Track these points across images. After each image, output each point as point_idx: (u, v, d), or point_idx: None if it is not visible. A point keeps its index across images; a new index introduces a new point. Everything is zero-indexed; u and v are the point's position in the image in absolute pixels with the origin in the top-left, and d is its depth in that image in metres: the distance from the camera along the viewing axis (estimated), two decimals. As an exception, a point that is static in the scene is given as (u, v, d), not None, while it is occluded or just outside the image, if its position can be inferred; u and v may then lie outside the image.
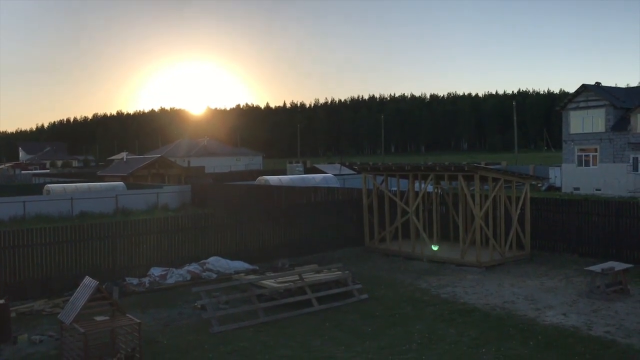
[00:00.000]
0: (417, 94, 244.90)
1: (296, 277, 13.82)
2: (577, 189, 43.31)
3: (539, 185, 45.80)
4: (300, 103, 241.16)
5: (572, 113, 44.06)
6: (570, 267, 17.10)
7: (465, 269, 17.27)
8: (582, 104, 43.36)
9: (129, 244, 16.21)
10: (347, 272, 14.66)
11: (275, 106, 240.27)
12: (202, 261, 17.03)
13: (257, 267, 17.54)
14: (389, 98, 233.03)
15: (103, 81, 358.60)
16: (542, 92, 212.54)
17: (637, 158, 40.18)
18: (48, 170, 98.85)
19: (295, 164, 72.88)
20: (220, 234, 18.09)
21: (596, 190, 41.78)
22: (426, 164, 19.50)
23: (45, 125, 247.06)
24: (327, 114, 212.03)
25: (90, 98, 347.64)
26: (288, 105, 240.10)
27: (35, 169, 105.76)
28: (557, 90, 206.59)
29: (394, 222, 20.98)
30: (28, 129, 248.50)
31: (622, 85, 56.80)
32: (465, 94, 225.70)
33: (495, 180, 18.52)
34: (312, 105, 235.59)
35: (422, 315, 12.54)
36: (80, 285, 10.08)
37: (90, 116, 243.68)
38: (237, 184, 38.62)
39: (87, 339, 9.15)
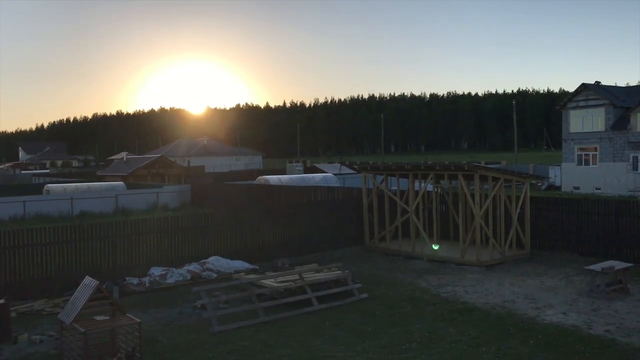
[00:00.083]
0: (416, 93, 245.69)
1: (296, 277, 13.82)
2: (577, 188, 43.32)
3: (538, 184, 45.75)
4: (300, 102, 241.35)
5: (572, 112, 44.07)
6: (570, 266, 17.11)
7: (465, 268, 17.28)
8: (582, 103, 43.37)
9: (129, 244, 16.21)
10: (347, 271, 14.67)
11: (275, 106, 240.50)
12: (202, 261, 17.04)
13: (257, 267, 17.55)
14: (388, 97, 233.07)
15: (103, 81, 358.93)
16: (541, 92, 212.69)
17: (636, 157, 40.19)
18: (48, 170, 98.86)
19: (295, 164, 72.84)
20: (220, 233, 18.10)
21: (596, 189, 41.80)
22: (426, 163, 19.51)
23: (45, 125, 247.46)
24: (327, 113, 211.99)
25: (90, 98, 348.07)
26: (288, 104, 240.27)
27: (35, 169, 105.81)
28: (557, 90, 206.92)
29: (393, 221, 20.99)
30: (28, 129, 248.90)
31: (622, 84, 56.85)
32: (465, 93, 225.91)
33: (495, 179, 18.52)
34: (312, 104, 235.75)
35: (422, 315, 12.54)
36: (81, 285, 10.09)
37: (90, 116, 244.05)
38: (237, 184, 38.61)
39: (87, 339, 9.16)
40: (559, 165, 47.57)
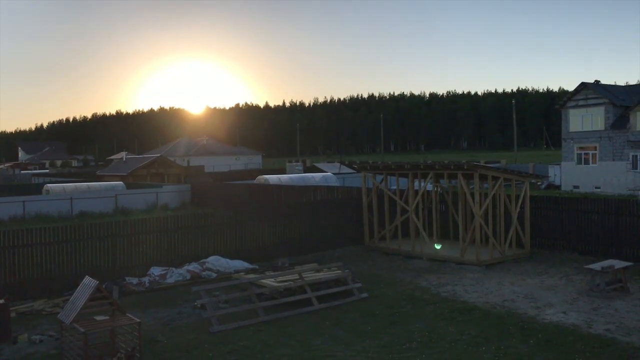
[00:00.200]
0: (416, 92, 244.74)
1: (296, 276, 13.82)
2: (576, 187, 43.33)
3: (538, 183, 45.80)
4: (300, 102, 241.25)
5: (571, 111, 44.07)
6: (570, 266, 17.11)
7: (465, 267, 17.28)
8: (581, 102, 43.37)
9: (129, 244, 16.20)
10: (347, 271, 14.66)
11: (275, 105, 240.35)
12: (201, 260, 17.03)
13: (257, 266, 17.54)
14: (388, 97, 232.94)
15: (102, 81, 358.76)
16: (541, 91, 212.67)
17: (636, 156, 40.19)
18: (47, 170, 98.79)
19: (294, 163, 72.86)
20: (219, 233, 18.09)
21: (596, 188, 41.80)
22: (426, 163, 19.50)
23: (45, 125, 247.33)
24: (327, 113, 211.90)
25: (89, 98, 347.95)
26: (287, 104, 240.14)
27: (35, 169, 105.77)
28: (556, 89, 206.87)
29: (393, 220, 20.99)
30: (27, 129, 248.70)
31: (622, 83, 56.84)
32: (465, 92, 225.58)
33: (494, 178, 18.52)
34: (312, 104, 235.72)
35: (422, 314, 12.54)
36: (80, 284, 10.08)
37: (89, 116, 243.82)
38: (236, 183, 38.61)
39: (87, 339, 9.15)
40: (559, 164, 47.58)
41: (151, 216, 21.98)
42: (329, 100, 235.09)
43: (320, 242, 20.31)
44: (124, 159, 64.63)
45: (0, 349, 10.86)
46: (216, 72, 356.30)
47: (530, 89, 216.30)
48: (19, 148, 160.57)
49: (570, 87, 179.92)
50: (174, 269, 16.26)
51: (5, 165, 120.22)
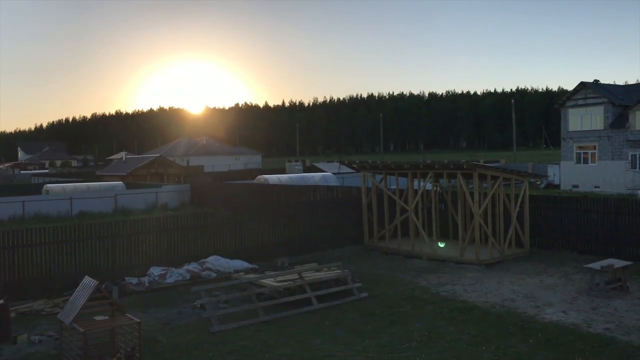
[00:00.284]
0: (415, 92, 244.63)
1: (296, 276, 13.82)
2: (576, 186, 43.34)
3: (537, 183, 45.83)
4: (299, 102, 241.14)
5: (570, 111, 44.07)
6: (570, 265, 17.12)
7: (464, 266, 17.28)
8: (580, 102, 43.38)
9: (128, 244, 16.20)
10: (346, 270, 14.67)
11: (274, 105, 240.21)
12: (201, 260, 17.03)
13: (257, 266, 17.54)
14: (387, 97, 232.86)
15: (102, 81, 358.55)
16: (540, 90, 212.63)
17: (635, 155, 40.21)
18: (47, 170, 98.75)
19: (294, 163, 72.83)
20: (219, 233, 18.09)
21: (595, 187, 41.81)
22: (425, 162, 19.51)
23: (44, 125, 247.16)
24: (326, 112, 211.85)
25: (89, 98, 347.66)
26: (287, 104, 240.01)
27: (34, 169, 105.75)
28: (555, 88, 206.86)
29: (393, 220, 20.99)
30: (27, 129, 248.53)
31: (621, 82, 56.86)
32: (464, 92, 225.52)
33: (494, 178, 18.53)
34: (311, 104, 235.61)
35: (421, 314, 12.55)
36: (80, 285, 10.08)
37: (89, 116, 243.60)
38: (236, 183, 38.61)
39: (86, 339, 9.15)
40: (558, 164, 47.58)
41: (151, 216, 21.98)
42: (328, 100, 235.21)
43: (319, 242, 20.31)
44: (124, 159, 64.61)
45: (0, 349, 10.86)
46: (216, 72, 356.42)
47: (530, 89, 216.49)
48: (19, 148, 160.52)
49: (570, 86, 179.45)
50: (173, 268, 16.26)
51: (5, 165, 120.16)
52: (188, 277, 16.00)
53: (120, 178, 50.05)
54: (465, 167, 18.03)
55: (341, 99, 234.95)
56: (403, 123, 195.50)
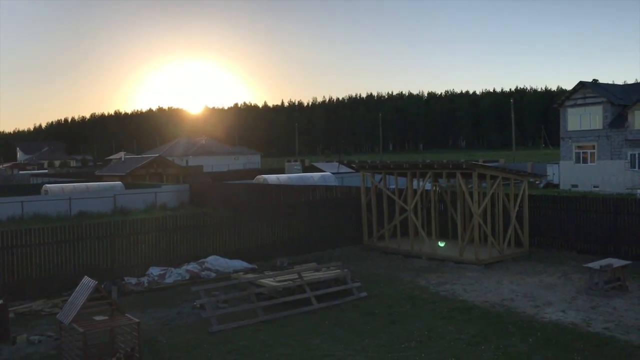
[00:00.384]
0: (414, 92, 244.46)
1: (295, 276, 13.81)
2: (575, 186, 43.36)
3: (537, 182, 45.84)
4: (299, 102, 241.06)
5: (569, 110, 44.09)
6: (569, 264, 17.13)
7: (464, 266, 17.29)
8: (579, 101, 43.40)
9: (128, 244, 16.19)
10: (346, 270, 14.66)
11: (274, 105, 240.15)
12: (200, 260, 17.03)
13: (256, 266, 17.54)
14: (386, 96, 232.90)
15: (101, 81, 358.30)
16: (539, 90, 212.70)
17: (634, 155, 40.23)
18: (46, 170, 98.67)
19: (293, 163, 72.77)
20: (218, 233, 18.09)
21: (594, 187, 41.83)
22: (424, 162, 19.51)
23: (43, 125, 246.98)
24: (325, 112, 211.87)
25: (88, 98, 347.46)
26: (286, 104, 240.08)
27: (33, 169, 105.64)
28: (554, 88, 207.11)
29: (392, 220, 20.99)
30: (26, 129, 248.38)
31: (619, 82, 56.84)
32: (463, 91, 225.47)
33: (493, 177, 18.53)
34: (310, 103, 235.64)
35: (421, 313, 12.55)
36: (79, 285, 10.07)
37: (88, 116, 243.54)
38: (235, 183, 38.60)
39: (86, 339, 9.14)
40: (557, 163, 47.59)
41: (150, 216, 21.96)
42: (327, 100, 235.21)
43: (319, 242, 20.31)
44: (123, 159, 64.58)
45: (-1, 349, 10.86)
46: (215, 72, 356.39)
47: (529, 88, 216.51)
48: (18, 148, 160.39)
49: (569, 86, 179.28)
50: (172, 268, 16.25)
51: (4, 165, 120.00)
52: (187, 277, 15.99)
53: (119, 178, 50.04)
54: (464, 166, 18.03)
55: (340, 98, 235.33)
56: (402, 123, 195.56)
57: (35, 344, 11.06)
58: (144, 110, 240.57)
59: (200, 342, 10.94)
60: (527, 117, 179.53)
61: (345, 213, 21.52)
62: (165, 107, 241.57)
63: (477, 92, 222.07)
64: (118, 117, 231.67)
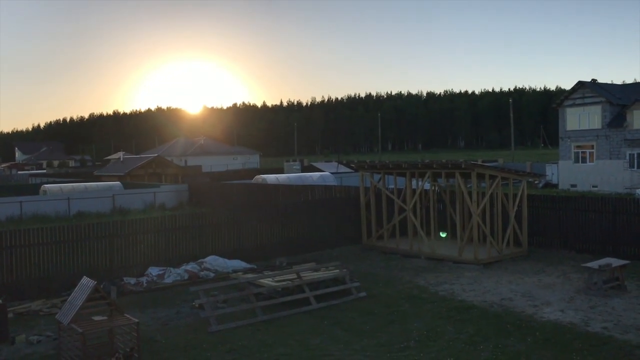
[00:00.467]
0: (413, 92, 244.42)
1: (294, 276, 13.82)
2: (574, 185, 43.41)
3: (535, 182, 45.85)
4: (297, 101, 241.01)
5: (568, 110, 44.13)
6: (568, 264, 17.15)
7: (462, 266, 17.30)
8: (578, 101, 43.44)
9: (127, 244, 16.19)
10: (345, 270, 14.67)
11: (272, 105, 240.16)
12: (199, 260, 17.02)
13: (255, 266, 17.53)
14: (385, 96, 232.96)
15: (99, 81, 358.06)
16: (538, 89, 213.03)
17: (633, 154, 40.28)
18: (45, 170, 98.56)
19: (292, 163, 72.77)
20: (217, 233, 18.08)
21: (593, 187, 41.87)
22: (423, 162, 19.52)
23: (42, 125, 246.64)
24: (324, 112, 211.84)
25: (86, 98, 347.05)
26: (285, 103, 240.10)
27: (32, 169, 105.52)
28: (553, 88, 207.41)
29: (391, 220, 20.99)
30: (24, 129, 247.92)
31: (618, 82, 56.92)
32: (462, 91, 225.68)
33: (492, 177, 18.54)
34: (309, 103, 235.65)
35: (420, 313, 12.56)
36: (78, 285, 10.07)
37: (86, 116, 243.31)
38: (234, 183, 38.57)
39: (85, 339, 9.14)
40: (556, 163, 47.63)
41: (149, 216, 21.95)
42: (326, 100, 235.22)
43: (318, 242, 20.32)
44: (121, 159, 64.57)
45: (-2, 349, 10.85)
46: (214, 71, 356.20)
47: (528, 88, 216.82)
48: (16, 148, 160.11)
49: (568, 85, 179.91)
50: (171, 269, 16.25)
51: (2, 165, 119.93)
52: (186, 277, 15.99)
53: (118, 178, 50.02)
54: (463, 166, 18.04)
55: (339, 98, 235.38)
56: (401, 122, 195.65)
57: (34, 344, 11.06)
58: (142, 110, 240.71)
59: (200, 342, 10.94)
60: (526, 117, 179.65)
61: (344, 213, 21.53)
62: (164, 107, 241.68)
63: (476, 92, 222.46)
64: (117, 117, 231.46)
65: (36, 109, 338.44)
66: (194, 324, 12.09)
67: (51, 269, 14.87)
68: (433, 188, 21.33)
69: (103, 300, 9.95)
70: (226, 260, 17.28)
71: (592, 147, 42.66)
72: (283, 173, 54.78)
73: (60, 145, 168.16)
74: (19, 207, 31.47)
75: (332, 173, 45.73)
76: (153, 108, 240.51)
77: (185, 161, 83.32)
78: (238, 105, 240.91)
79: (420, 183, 19.80)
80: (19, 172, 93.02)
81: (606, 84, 46.91)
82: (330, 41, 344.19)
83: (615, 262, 14.39)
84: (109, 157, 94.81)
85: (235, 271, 16.76)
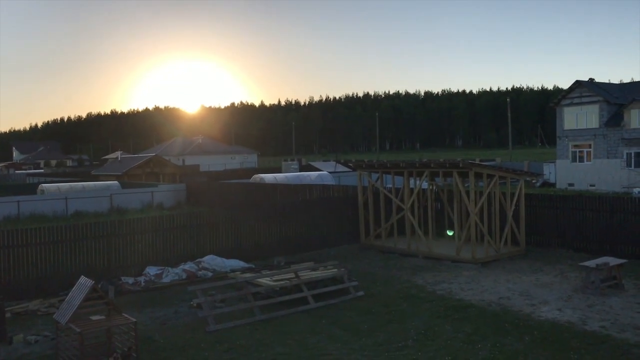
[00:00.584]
0: (411, 91, 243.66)
1: (292, 275, 13.82)
2: (571, 184, 43.47)
3: (533, 181, 45.89)
4: (295, 101, 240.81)
5: (566, 109, 44.18)
6: (565, 263, 17.17)
7: (460, 265, 17.32)
8: (576, 100, 43.50)
9: (124, 243, 16.17)
10: (343, 269, 14.67)
11: (270, 104, 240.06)
12: (197, 260, 17.02)
13: (253, 265, 17.52)
14: (383, 95, 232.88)
15: (97, 80, 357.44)
16: (536, 89, 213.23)
17: (630, 153, 40.35)
18: (42, 170, 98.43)
19: (290, 162, 72.82)
20: (215, 232, 18.08)
21: (590, 186, 41.94)
22: (421, 161, 19.53)
23: (39, 124, 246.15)
24: (322, 111, 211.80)
25: (84, 97, 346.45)
26: (283, 103, 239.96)
27: (29, 169, 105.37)
28: (551, 87, 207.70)
29: (389, 219, 21.00)
30: (22, 129, 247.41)
31: (616, 81, 57.05)
32: (460, 91, 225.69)
33: (489, 176, 18.56)
34: (307, 103, 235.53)
35: (418, 312, 12.57)
36: (76, 284, 10.06)
37: (84, 115, 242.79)
38: (232, 182, 38.54)
39: (83, 339, 9.13)
40: (554, 162, 47.68)
41: (146, 215, 21.93)
42: (324, 99, 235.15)
43: (316, 241, 20.32)
44: (119, 159, 64.50)
45: (-4, 349, 10.83)
46: (211, 71, 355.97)
47: (525, 87, 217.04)
48: (14, 148, 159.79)
49: (565, 85, 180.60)
50: (169, 268, 16.24)
51: (0, 165, 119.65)
52: (184, 276, 15.98)
53: (116, 177, 49.94)
54: (461, 165, 18.05)
55: (337, 97, 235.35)
56: (399, 122, 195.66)
57: (32, 344, 11.05)
58: (140, 110, 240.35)
59: (197, 342, 10.94)
60: (523, 116, 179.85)
61: (342, 212, 21.53)
62: (161, 106, 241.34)
63: (474, 91, 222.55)
64: (114, 117, 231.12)
65: (34, 108, 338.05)
66: (192, 324, 12.09)
67: (49, 269, 14.85)
68: (431, 187, 21.36)
69: (101, 299, 9.95)
70: (224, 259, 17.28)
71: (590, 146, 42.72)
72: (281, 172, 54.74)
73: (58, 144, 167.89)
74: (16, 206, 31.42)
75: (330, 172, 45.74)
76: (151, 107, 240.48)
77: (183, 160, 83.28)
78: (236, 105, 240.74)
79: (418, 182, 19.80)
80: (16, 171, 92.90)
81: (604, 83, 46.97)
82: (328, 41, 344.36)
83: (613, 261, 14.42)
84: (106, 157, 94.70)
85: (233, 270, 16.75)
